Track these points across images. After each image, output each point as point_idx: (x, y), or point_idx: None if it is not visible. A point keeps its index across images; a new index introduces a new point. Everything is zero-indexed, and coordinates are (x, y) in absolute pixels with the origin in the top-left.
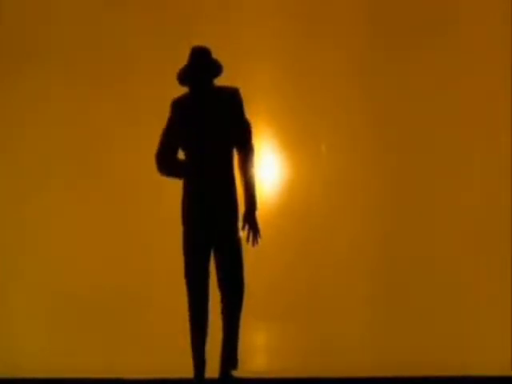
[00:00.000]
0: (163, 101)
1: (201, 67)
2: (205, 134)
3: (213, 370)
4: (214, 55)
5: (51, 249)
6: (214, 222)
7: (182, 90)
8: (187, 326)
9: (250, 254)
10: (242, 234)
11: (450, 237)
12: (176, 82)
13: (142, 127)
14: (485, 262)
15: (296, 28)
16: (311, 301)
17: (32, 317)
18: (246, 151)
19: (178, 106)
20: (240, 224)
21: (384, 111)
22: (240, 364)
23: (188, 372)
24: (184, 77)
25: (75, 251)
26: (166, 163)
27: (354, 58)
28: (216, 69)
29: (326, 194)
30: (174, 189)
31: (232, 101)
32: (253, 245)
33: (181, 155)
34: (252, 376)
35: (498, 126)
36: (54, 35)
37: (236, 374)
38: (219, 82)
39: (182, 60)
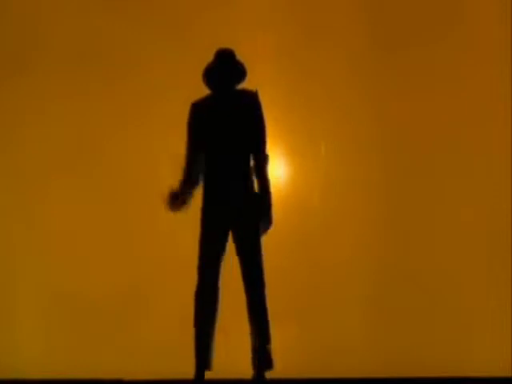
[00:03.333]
0: (163, 101)
1: (227, 71)
2: (226, 136)
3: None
4: (213, 55)
5: (52, 249)
6: (233, 213)
7: (182, 91)
8: (188, 326)
9: None
10: None
11: (451, 237)
12: (175, 82)
13: (142, 127)
14: (485, 262)
15: (296, 28)
16: (312, 301)
17: (32, 318)
18: (262, 157)
19: (198, 109)
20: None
21: (384, 111)
22: (234, 364)
23: (189, 373)
24: (209, 79)
25: (76, 252)
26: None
27: (354, 58)
28: (241, 74)
29: (326, 195)
30: None
31: (253, 105)
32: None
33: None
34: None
35: (501, 126)
36: (54, 35)
37: (237, 374)
38: None
39: (182, 60)
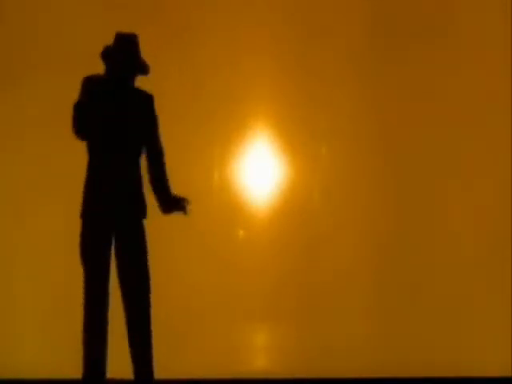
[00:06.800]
0: (161, 100)
1: (130, 61)
2: (115, 132)
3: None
4: (214, 55)
5: (51, 249)
6: (116, 213)
7: (181, 90)
8: (185, 326)
9: (252, 256)
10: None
11: (452, 238)
12: (175, 82)
13: None
14: (485, 262)
15: (296, 28)
16: (313, 302)
17: (32, 318)
18: (157, 155)
19: (91, 87)
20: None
21: (386, 111)
22: (234, 364)
23: (186, 373)
24: (107, 62)
25: (75, 251)
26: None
27: (355, 57)
28: (145, 67)
29: (327, 196)
30: (172, 191)
31: (148, 105)
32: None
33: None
34: (253, 376)
35: (501, 126)
36: (54, 35)
37: (237, 374)
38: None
39: (182, 60)
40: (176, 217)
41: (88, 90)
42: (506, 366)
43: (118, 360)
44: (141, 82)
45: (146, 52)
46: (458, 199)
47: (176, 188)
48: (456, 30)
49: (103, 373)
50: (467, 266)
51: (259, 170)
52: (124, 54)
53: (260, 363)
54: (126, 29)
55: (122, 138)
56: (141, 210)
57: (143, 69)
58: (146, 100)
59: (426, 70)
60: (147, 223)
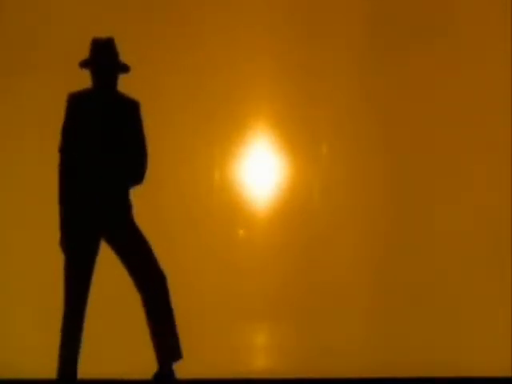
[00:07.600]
0: (161, 100)
1: (109, 58)
2: (102, 142)
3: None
4: (214, 56)
5: (52, 248)
6: (102, 213)
7: (182, 90)
8: (185, 326)
9: (252, 256)
10: None
11: (452, 238)
12: (175, 82)
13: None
14: (485, 262)
15: (296, 28)
16: (313, 302)
17: (32, 317)
18: (136, 169)
19: (77, 102)
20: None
21: (386, 111)
22: (234, 364)
23: (186, 373)
24: (88, 63)
25: None
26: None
27: (356, 57)
28: (124, 65)
29: (327, 196)
30: (172, 191)
31: (134, 113)
32: None
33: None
34: (253, 376)
35: (502, 125)
36: (54, 35)
37: (237, 374)
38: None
39: (182, 60)
40: (176, 217)
41: (74, 110)
42: (506, 365)
43: (119, 360)
44: (141, 82)
45: (146, 52)
46: (458, 199)
47: (176, 188)
48: (456, 30)
49: (75, 372)
50: (467, 266)
51: (259, 170)
52: (106, 58)
53: (260, 363)
54: (125, 29)
55: (107, 150)
56: (127, 210)
57: (124, 68)
58: (132, 107)
59: (426, 70)
60: (147, 224)
